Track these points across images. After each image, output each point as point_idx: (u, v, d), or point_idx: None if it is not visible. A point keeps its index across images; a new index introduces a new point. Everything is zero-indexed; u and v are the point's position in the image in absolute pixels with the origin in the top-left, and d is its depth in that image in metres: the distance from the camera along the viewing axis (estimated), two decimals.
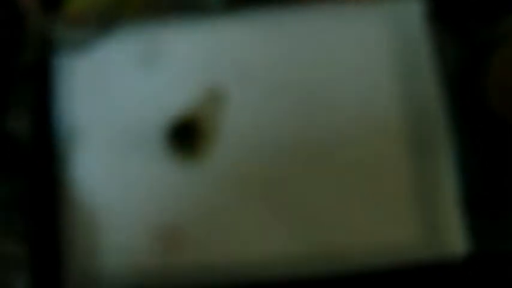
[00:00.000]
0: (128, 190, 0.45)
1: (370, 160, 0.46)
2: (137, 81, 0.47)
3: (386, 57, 0.47)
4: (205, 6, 0.49)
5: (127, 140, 0.46)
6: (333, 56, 0.48)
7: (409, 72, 0.47)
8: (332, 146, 0.46)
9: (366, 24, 0.48)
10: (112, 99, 0.47)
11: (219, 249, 0.44)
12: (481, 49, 0.48)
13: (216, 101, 0.46)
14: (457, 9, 0.48)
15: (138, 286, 0.44)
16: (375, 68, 0.47)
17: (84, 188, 0.45)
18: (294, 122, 0.46)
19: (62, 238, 0.45)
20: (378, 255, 0.44)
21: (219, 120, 0.46)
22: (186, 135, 0.46)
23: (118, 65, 0.47)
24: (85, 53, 0.47)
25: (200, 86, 0.47)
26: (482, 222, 0.45)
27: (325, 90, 0.47)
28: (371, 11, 0.48)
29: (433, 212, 0.45)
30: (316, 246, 0.44)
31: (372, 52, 0.47)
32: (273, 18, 0.48)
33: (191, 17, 0.48)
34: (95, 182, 0.46)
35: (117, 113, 0.47)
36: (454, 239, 0.44)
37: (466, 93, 0.47)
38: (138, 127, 0.46)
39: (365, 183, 0.45)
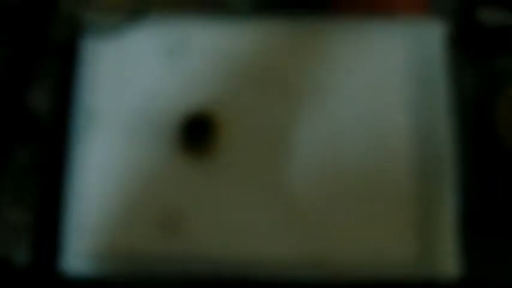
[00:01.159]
0: (136, 176, 0.46)
1: (374, 175, 0.46)
2: (159, 72, 0.48)
3: (401, 77, 0.48)
4: (234, 7, 0.50)
5: (141, 128, 0.47)
6: (349, 69, 0.48)
7: (423, 94, 0.48)
8: (339, 157, 0.47)
9: (387, 41, 0.49)
10: (132, 87, 0.48)
11: (218, 242, 0.45)
12: (497, 79, 0.48)
13: (234, 101, 0.48)
14: (478, 37, 0.49)
15: (136, 269, 0.45)
16: (389, 85, 0.48)
17: (94, 169, 0.47)
18: (306, 128, 0.47)
19: (66, 214, 0.46)
20: (370, 268, 0.45)
21: (234, 119, 0.47)
22: (201, 130, 0.47)
23: (143, 54, 0.49)
24: (112, 39, 0.49)
25: (220, 84, 0.48)
26: (480, 248, 0.46)
27: (337, 102, 0.48)
28: (393, 29, 0.49)
29: (430, 232, 0.45)
30: (312, 252, 0.45)
31: (388, 70, 0.48)
32: (297, 24, 0.49)
33: (219, 15, 0.50)
34: (104, 164, 0.47)
35: (136, 101, 0.48)
36: (448, 261, 0.45)
37: (477, 121, 0.48)
38: (154, 117, 0.48)
39: (367, 196, 0.46)
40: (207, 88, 0.48)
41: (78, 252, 0.45)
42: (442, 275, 0.44)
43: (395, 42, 0.49)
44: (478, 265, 0.45)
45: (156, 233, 0.45)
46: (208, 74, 0.48)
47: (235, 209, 0.46)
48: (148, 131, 0.47)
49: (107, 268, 0.45)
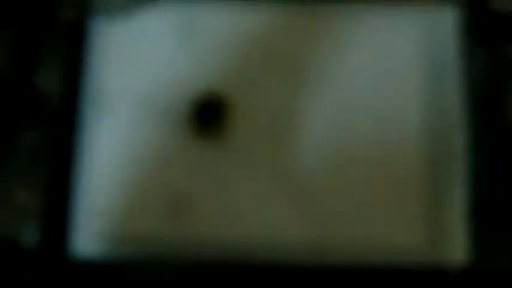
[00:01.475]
0: (146, 159, 0.46)
1: (383, 161, 0.46)
2: (170, 55, 0.48)
3: (414, 63, 0.48)
4: None
5: (151, 111, 0.47)
6: (359, 55, 0.48)
7: (435, 82, 0.48)
8: (351, 142, 0.47)
9: (398, 27, 0.48)
10: (143, 70, 0.48)
11: (226, 226, 0.45)
12: (509, 66, 0.48)
13: (246, 85, 0.47)
14: (490, 24, 0.49)
15: (145, 252, 0.45)
16: (400, 72, 0.48)
17: (104, 152, 0.46)
18: (317, 115, 0.47)
19: (75, 197, 0.46)
20: (378, 253, 0.45)
21: (245, 102, 0.47)
22: (211, 114, 0.47)
23: (153, 36, 0.48)
24: (122, 20, 0.48)
25: (231, 66, 0.48)
26: (489, 236, 0.46)
27: (347, 87, 0.48)
28: (405, 15, 0.49)
29: (439, 220, 0.45)
30: (320, 236, 0.45)
31: (401, 56, 0.48)
32: (308, 8, 0.49)
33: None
34: (114, 147, 0.47)
35: (146, 84, 0.48)
36: (456, 248, 0.45)
37: (488, 109, 0.48)
38: (165, 99, 0.47)
39: (376, 182, 0.46)
40: (217, 71, 0.48)
41: (87, 235, 0.45)
42: (450, 261, 0.45)
43: (407, 28, 0.48)
44: (486, 253, 0.45)
45: (165, 216, 0.45)
46: (219, 57, 0.48)
47: (243, 193, 0.46)
48: (158, 113, 0.47)
49: (116, 251, 0.45)
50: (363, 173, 0.46)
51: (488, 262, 0.45)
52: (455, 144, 0.47)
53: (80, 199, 0.46)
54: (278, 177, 0.46)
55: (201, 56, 0.48)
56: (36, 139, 0.48)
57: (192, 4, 0.49)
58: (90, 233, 0.45)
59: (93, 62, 0.48)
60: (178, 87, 0.48)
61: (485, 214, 0.46)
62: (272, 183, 0.46)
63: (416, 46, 0.48)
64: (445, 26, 0.48)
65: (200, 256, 0.45)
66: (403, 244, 0.45)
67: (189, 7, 0.49)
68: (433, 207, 0.46)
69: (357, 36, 0.48)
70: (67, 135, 0.48)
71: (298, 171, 0.46)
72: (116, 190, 0.46)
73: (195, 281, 0.45)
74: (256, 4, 0.49)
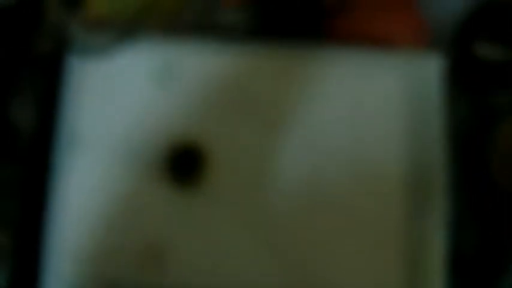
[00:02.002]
0: (120, 204, 0.45)
1: (363, 207, 0.46)
2: (147, 97, 0.47)
3: (396, 109, 0.47)
4: (228, 28, 0.49)
5: (126, 155, 0.46)
6: (344, 100, 0.48)
7: (418, 127, 0.47)
8: (331, 188, 0.46)
9: (383, 73, 0.48)
10: (118, 112, 0.47)
11: (202, 274, 0.44)
12: (493, 115, 0.48)
13: (222, 130, 0.46)
14: (474, 72, 0.49)
15: None
16: (385, 117, 0.47)
17: (77, 194, 0.45)
18: (296, 160, 0.46)
19: (46, 239, 0.45)
20: None
21: (222, 149, 0.46)
22: (187, 160, 0.45)
23: (130, 77, 0.47)
24: (99, 59, 0.47)
25: (209, 111, 0.47)
26: (468, 285, 0.45)
27: (331, 132, 0.47)
28: (390, 60, 0.48)
29: (418, 269, 0.45)
30: (298, 285, 0.44)
31: (384, 101, 0.47)
32: (291, 51, 0.48)
33: (212, 39, 0.48)
34: (88, 190, 0.45)
35: (121, 126, 0.46)
36: None
37: (471, 156, 0.47)
38: (140, 144, 0.46)
39: (355, 230, 0.45)
40: (195, 115, 0.47)
41: (59, 279, 0.44)
42: None
43: (391, 73, 0.48)
44: None
45: (139, 263, 0.44)
46: (198, 100, 0.47)
47: (220, 242, 0.45)
48: (134, 157, 0.46)
49: None
50: (340, 221, 0.45)
51: None
52: (437, 193, 0.46)
53: (51, 242, 0.44)
54: (253, 226, 0.45)
55: (179, 99, 0.47)
56: (8, 176, 0.47)
57: (171, 45, 0.48)
58: (62, 277, 0.44)
59: (69, 100, 0.47)
60: (154, 132, 0.46)
61: (466, 263, 0.46)
62: (247, 232, 0.45)
63: (399, 92, 0.48)
64: (428, 72, 0.48)
65: None
66: None
67: (169, 48, 0.48)
68: (412, 255, 0.45)
69: (339, 80, 0.48)
70: (40, 175, 0.46)
71: (274, 220, 0.45)
72: (89, 235, 0.44)
73: None
74: (235, 46, 0.48)
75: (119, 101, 0.47)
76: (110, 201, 0.45)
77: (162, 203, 0.45)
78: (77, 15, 0.48)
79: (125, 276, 0.44)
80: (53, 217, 0.45)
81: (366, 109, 0.47)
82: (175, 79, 0.47)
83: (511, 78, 0.48)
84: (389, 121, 0.47)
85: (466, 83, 0.48)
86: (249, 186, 0.46)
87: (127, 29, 0.47)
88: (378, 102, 0.47)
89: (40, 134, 0.47)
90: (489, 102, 0.48)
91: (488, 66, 0.48)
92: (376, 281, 0.45)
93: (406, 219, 0.46)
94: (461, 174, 0.47)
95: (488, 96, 0.48)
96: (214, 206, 0.45)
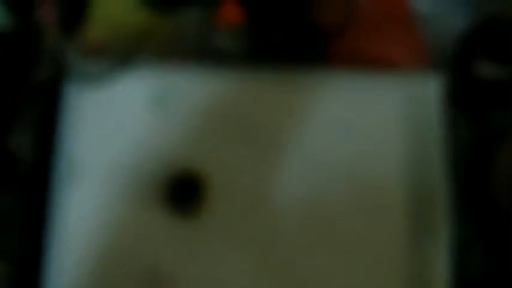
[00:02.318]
0: (119, 233, 0.45)
1: (366, 233, 0.45)
2: (145, 124, 0.47)
3: (396, 130, 0.47)
4: (227, 52, 0.49)
5: (125, 184, 0.45)
6: (343, 124, 0.47)
7: (419, 150, 0.47)
8: (332, 211, 0.46)
9: (382, 96, 0.47)
10: (117, 139, 0.46)
11: None
12: (493, 135, 0.47)
13: (221, 158, 0.46)
14: (474, 91, 0.48)
15: None
16: (385, 140, 0.47)
17: (74, 224, 0.45)
18: (295, 183, 0.46)
19: (46, 268, 0.44)
20: None
21: (221, 176, 0.46)
22: (186, 187, 0.45)
23: (129, 103, 0.47)
24: (97, 86, 0.47)
25: (208, 137, 0.47)
26: None
27: (330, 154, 0.47)
28: (390, 82, 0.48)
29: None
30: None
31: (384, 124, 0.47)
32: (290, 76, 0.48)
33: (209, 64, 0.48)
34: (86, 220, 0.45)
35: (120, 154, 0.46)
36: None
37: (473, 177, 0.47)
38: (139, 171, 0.46)
39: (359, 255, 0.45)
40: (193, 141, 0.47)
41: None
42: None
43: (391, 94, 0.47)
44: None
45: None
46: (196, 126, 0.47)
47: (221, 269, 0.44)
48: (133, 186, 0.46)
49: None
50: (341, 243, 0.45)
51: None
52: (439, 214, 0.46)
53: (51, 272, 0.44)
54: (254, 251, 0.45)
55: (175, 126, 0.47)
56: (7, 205, 0.46)
57: (170, 72, 0.48)
58: None
59: (67, 128, 0.47)
60: (153, 160, 0.46)
61: (471, 285, 0.45)
62: (248, 257, 0.44)
63: (399, 113, 0.47)
64: (427, 93, 0.47)
65: None
66: None
67: (164, 75, 0.47)
68: (415, 277, 0.44)
69: (338, 103, 0.47)
70: (38, 204, 0.46)
71: (275, 244, 0.45)
72: (88, 265, 0.44)
73: None
74: (232, 71, 0.48)
75: (117, 128, 0.46)
76: (109, 230, 0.45)
77: (162, 231, 0.45)
78: (74, 43, 0.48)
79: None
80: (52, 247, 0.44)
81: (365, 130, 0.47)
82: (173, 105, 0.47)
83: (511, 98, 0.48)
84: (389, 142, 0.47)
85: (466, 103, 0.48)
86: (249, 212, 0.45)
87: (124, 55, 0.47)
88: (378, 124, 0.47)
89: (39, 162, 0.47)
90: (490, 122, 0.48)
91: (489, 86, 0.48)
92: None
93: (408, 240, 0.45)
94: (463, 195, 0.47)
95: (489, 116, 0.48)
96: (214, 233, 0.45)
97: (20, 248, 0.46)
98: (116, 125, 0.46)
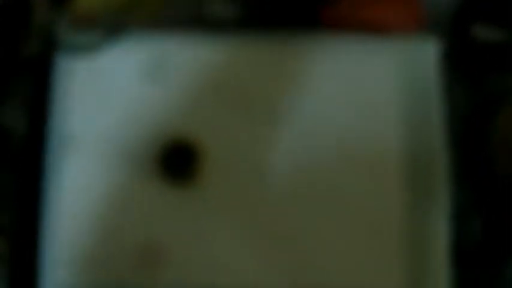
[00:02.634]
0: (114, 205, 0.44)
1: (362, 200, 0.45)
2: (138, 94, 0.46)
3: (394, 95, 0.46)
4: (218, 18, 0.48)
5: (119, 154, 0.45)
6: (340, 87, 0.46)
7: (416, 113, 0.46)
8: (329, 179, 0.45)
9: (379, 59, 0.47)
10: (109, 110, 0.46)
11: (199, 273, 0.44)
12: (492, 100, 0.47)
13: (216, 124, 0.45)
14: (472, 55, 0.47)
15: None
16: (382, 104, 0.46)
17: (69, 197, 0.44)
18: (291, 151, 0.45)
19: (41, 243, 0.44)
20: None
21: (216, 144, 0.45)
22: (181, 157, 0.45)
23: (120, 74, 0.46)
24: (87, 58, 0.46)
25: (201, 106, 0.46)
26: (471, 276, 0.45)
27: (327, 121, 0.46)
28: (386, 46, 0.47)
29: (421, 261, 0.44)
30: (296, 282, 0.43)
31: (382, 88, 0.46)
32: (284, 41, 0.47)
33: (202, 31, 0.47)
34: (80, 193, 0.44)
35: (113, 125, 0.45)
36: None
37: (471, 143, 0.46)
38: (133, 142, 0.45)
39: (354, 224, 0.44)
40: (187, 110, 0.46)
41: (56, 283, 0.43)
42: None
43: (387, 58, 0.47)
44: None
45: (136, 265, 0.44)
46: (189, 95, 0.46)
47: (217, 240, 0.44)
48: (127, 156, 0.45)
49: None
50: (339, 212, 0.44)
51: None
52: (437, 180, 0.45)
53: (47, 246, 0.44)
54: (251, 223, 0.44)
55: (170, 94, 0.46)
56: (1, 181, 0.46)
57: (160, 40, 0.47)
58: (59, 282, 0.43)
59: (58, 100, 0.46)
60: (146, 129, 0.45)
61: (470, 252, 0.45)
62: (245, 230, 0.44)
63: (397, 77, 0.46)
64: (427, 56, 0.46)
65: None
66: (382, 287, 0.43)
67: (158, 43, 0.47)
68: (414, 248, 0.44)
69: (334, 69, 0.47)
70: (33, 178, 0.46)
71: (271, 214, 0.44)
72: (85, 239, 0.44)
73: None
74: (225, 38, 0.47)
75: (109, 99, 0.46)
76: (104, 202, 0.44)
77: (157, 201, 0.44)
78: (64, 15, 0.47)
79: (122, 277, 0.43)
80: (48, 221, 0.44)
81: (362, 96, 0.46)
82: (166, 74, 0.46)
83: (509, 61, 0.47)
84: (386, 107, 0.46)
85: (465, 67, 0.47)
86: (244, 180, 0.45)
87: (115, 25, 0.46)
88: (375, 89, 0.46)
89: (32, 136, 0.47)
90: (488, 86, 0.47)
91: (486, 49, 0.47)
92: (378, 272, 0.44)
93: (407, 209, 0.44)
94: (460, 161, 0.46)
95: (486, 80, 0.47)
96: (208, 203, 0.45)
97: (15, 222, 0.45)
98: (108, 96, 0.46)
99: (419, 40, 0.47)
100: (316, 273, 0.44)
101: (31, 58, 0.47)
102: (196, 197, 0.45)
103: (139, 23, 0.47)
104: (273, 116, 0.46)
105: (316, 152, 0.45)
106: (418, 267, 0.44)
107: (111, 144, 0.45)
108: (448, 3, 0.48)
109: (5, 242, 0.45)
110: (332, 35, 0.47)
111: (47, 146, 0.45)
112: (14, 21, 0.48)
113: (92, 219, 0.44)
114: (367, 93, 0.46)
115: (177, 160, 0.44)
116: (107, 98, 0.46)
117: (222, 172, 0.45)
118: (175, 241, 0.44)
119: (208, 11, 0.48)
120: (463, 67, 0.47)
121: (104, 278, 0.43)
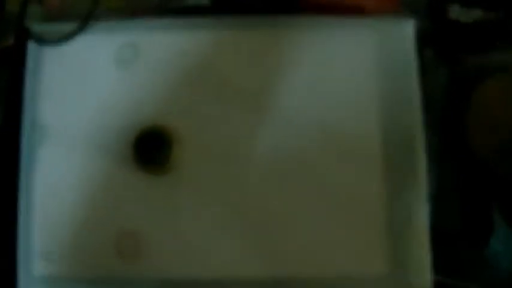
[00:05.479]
0: (90, 195, 0.44)
1: (342, 183, 0.44)
2: (111, 82, 0.45)
3: (371, 74, 0.46)
4: (193, 9, 0.48)
5: (94, 142, 0.44)
6: (318, 71, 0.46)
7: (394, 92, 0.45)
8: (307, 161, 0.44)
9: (357, 39, 0.46)
10: (83, 98, 0.45)
11: (178, 263, 0.43)
12: (470, 77, 0.46)
13: (189, 110, 0.45)
14: (449, 35, 0.47)
15: None
16: (360, 86, 0.46)
17: (44, 187, 0.44)
18: (268, 133, 0.45)
19: (17, 235, 0.44)
20: (341, 283, 0.43)
21: (190, 130, 0.45)
22: (155, 143, 0.44)
23: (93, 63, 0.46)
24: (60, 47, 0.46)
25: (174, 92, 0.45)
26: (450, 256, 0.44)
27: (306, 105, 0.45)
28: (364, 27, 0.46)
29: (403, 244, 0.43)
30: (276, 270, 0.43)
31: (360, 68, 0.46)
32: (259, 24, 0.46)
33: (174, 17, 0.47)
34: (55, 181, 0.44)
35: (86, 113, 0.45)
36: (421, 273, 0.43)
37: (448, 123, 0.46)
38: (107, 129, 0.45)
39: (337, 208, 0.44)
40: (162, 97, 0.45)
41: (32, 277, 0.43)
42: (416, 286, 0.43)
43: (365, 39, 0.46)
44: (448, 275, 0.44)
45: (114, 255, 0.43)
46: (162, 82, 0.45)
47: (194, 228, 0.43)
48: (102, 144, 0.45)
49: None
50: (319, 194, 0.44)
51: (451, 284, 0.44)
52: (416, 162, 0.44)
53: (23, 238, 0.43)
54: (229, 211, 0.44)
55: (142, 82, 0.45)
56: None
57: (132, 28, 0.46)
58: (35, 275, 0.43)
59: (32, 90, 0.45)
60: (120, 116, 0.45)
61: (449, 233, 0.44)
62: (223, 218, 0.43)
63: (376, 56, 0.46)
64: (404, 36, 0.46)
65: None
66: (365, 272, 0.43)
67: (129, 31, 0.46)
68: (395, 231, 0.44)
69: (311, 50, 0.46)
70: (7, 169, 0.45)
71: (250, 204, 0.44)
72: (61, 230, 0.43)
73: None
74: (200, 23, 0.46)
75: (82, 87, 0.45)
76: (80, 191, 0.44)
77: (133, 189, 0.44)
78: (36, 6, 0.47)
79: (102, 269, 0.43)
80: (23, 213, 0.44)
81: (340, 77, 0.46)
82: (139, 62, 0.46)
83: (486, 40, 0.46)
84: (365, 88, 0.45)
85: (442, 46, 0.47)
86: (221, 165, 0.44)
87: (87, 14, 0.45)
88: (353, 70, 0.46)
89: (8, 127, 0.46)
90: (465, 65, 0.47)
91: (463, 29, 0.47)
92: (360, 256, 0.43)
93: (387, 192, 0.44)
94: (439, 142, 0.46)
95: (463, 60, 0.47)
96: (184, 188, 0.44)
97: None
98: (81, 85, 0.45)
99: (396, 21, 0.46)
100: (298, 260, 0.43)
101: (5, 50, 0.47)
102: (173, 185, 0.44)
103: (111, 12, 0.46)
104: (249, 99, 0.45)
105: (294, 136, 0.45)
106: (400, 250, 0.43)
107: (85, 133, 0.45)
108: None
109: None
110: (309, 18, 0.47)
111: (23, 136, 0.45)
112: None
113: (67, 210, 0.44)
114: (345, 75, 0.46)
115: (152, 147, 0.44)
116: (80, 87, 0.45)
117: (197, 157, 0.44)
118: (154, 229, 0.43)
119: None
120: (439, 47, 0.47)
121: (82, 269, 0.43)
